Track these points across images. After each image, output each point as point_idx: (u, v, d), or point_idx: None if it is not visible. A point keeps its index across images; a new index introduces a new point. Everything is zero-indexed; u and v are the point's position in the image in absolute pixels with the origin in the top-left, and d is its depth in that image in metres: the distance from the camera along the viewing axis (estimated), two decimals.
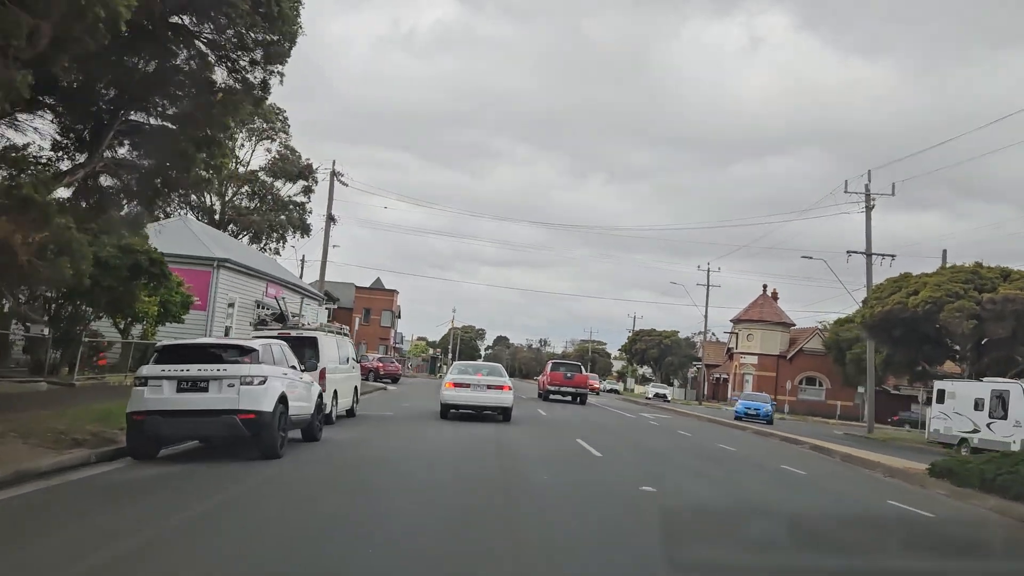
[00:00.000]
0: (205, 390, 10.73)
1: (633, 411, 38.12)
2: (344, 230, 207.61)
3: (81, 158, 14.74)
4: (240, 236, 64.98)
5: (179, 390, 10.71)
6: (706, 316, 71.20)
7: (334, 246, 65.30)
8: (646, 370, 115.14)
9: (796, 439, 26.28)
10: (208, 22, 13.63)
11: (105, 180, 15.32)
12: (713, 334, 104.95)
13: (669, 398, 65.96)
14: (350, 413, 19.78)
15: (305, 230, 70.11)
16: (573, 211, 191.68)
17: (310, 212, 69.78)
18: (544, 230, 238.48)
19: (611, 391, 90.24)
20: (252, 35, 13.78)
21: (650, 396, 65.37)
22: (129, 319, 21.68)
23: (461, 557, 6.95)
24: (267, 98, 16.06)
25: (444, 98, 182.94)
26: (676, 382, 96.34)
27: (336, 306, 74.62)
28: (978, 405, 25.86)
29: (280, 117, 67.67)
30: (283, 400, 11.44)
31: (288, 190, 69.56)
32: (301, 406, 12.64)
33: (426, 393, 35.54)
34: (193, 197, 63.53)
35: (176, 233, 26.66)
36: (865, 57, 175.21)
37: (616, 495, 11.03)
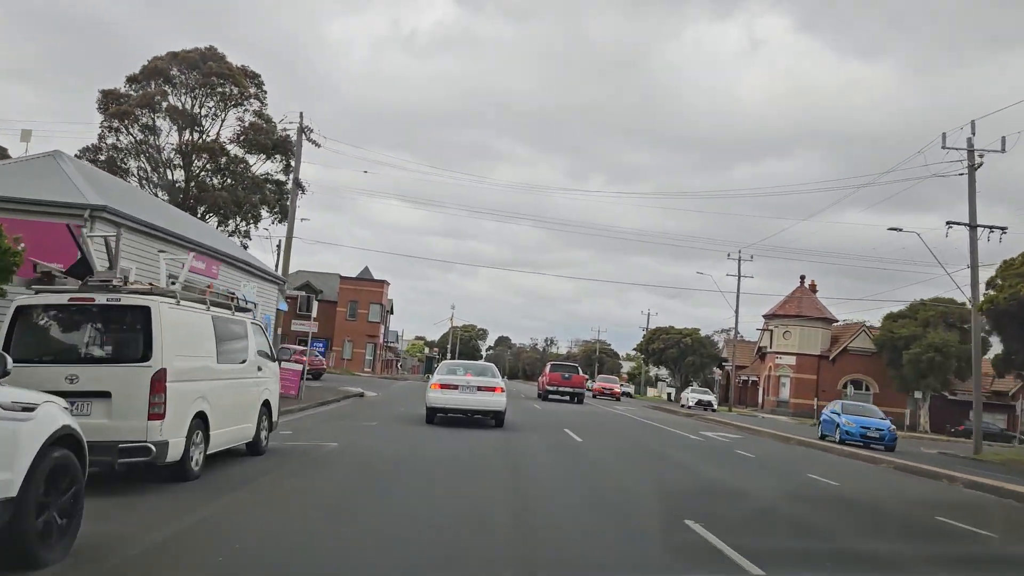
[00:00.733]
0: None
1: (687, 427, 29.64)
2: (342, 228, 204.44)
3: None
4: (207, 217, 56.66)
5: None
6: (737, 310, 62.76)
7: (303, 219, 56.48)
8: (659, 372, 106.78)
9: (976, 481, 16.98)
10: None
11: None
12: (739, 333, 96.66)
13: (715, 406, 54.32)
14: (254, 447, 11.46)
15: (284, 213, 61.82)
16: (573, 212, 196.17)
17: (287, 194, 61.74)
18: (545, 231, 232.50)
19: (624, 395, 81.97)
20: None
21: (690, 404, 52.88)
22: None
23: None
24: None
25: (444, 98, 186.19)
26: (694, 384, 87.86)
27: (317, 298, 66.23)
28: None
29: (255, 82, 59.56)
30: None
31: (264, 167, 61.36)
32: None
33: (412, 401, 27.32)
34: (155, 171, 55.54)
35: (42, 173, 18.42)
36: (864, 59, 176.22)
37: None
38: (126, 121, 53.49)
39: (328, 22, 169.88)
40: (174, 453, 8.37)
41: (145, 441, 7.95)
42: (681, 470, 14.70)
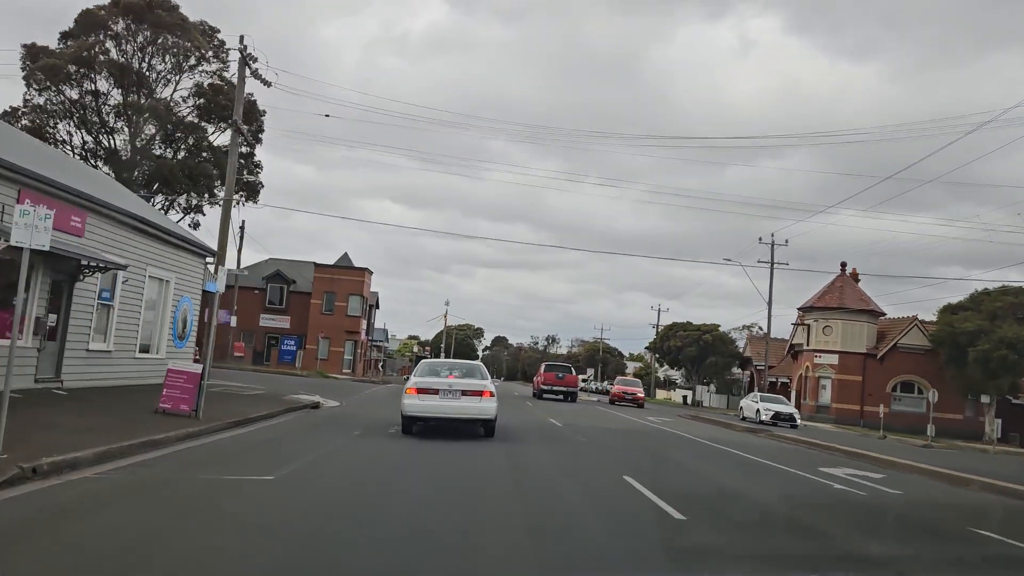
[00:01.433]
0: None
1: (786, 457, 21.34)
2: (336, 229, 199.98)
3: None
4: (156, 193, 48.44)
5: None
6: (770, 303, 54.79)
7: (255, 174, 48.48)
8: (668, 373, 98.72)
9: None
10: None
11: None
12: (759, 327, 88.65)
13: (798, 421, 40.29)
14: None
15: (252, 192, 53.59)
16: (568, 213, 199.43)
17: (258, 168, 53.55)
18: (541, 231, 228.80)
19: None
20: None
21: (762, 418, 38.85)
22: None
23: None
24: None
25: (439, 101, 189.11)
26: (713, 386, 79.85)
27: (290, 289, 57.96)
28: None
29: (214, 41, 51.31)
30: None
31: (226, 137, 53.09)
32: None
33: (382, 415, 19.43)
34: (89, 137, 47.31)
35: None
36: (854, 60, 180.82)
37: None
38: (57, 80, 45.31)
39: (322, 25, 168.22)
40: None
41: None
42: None
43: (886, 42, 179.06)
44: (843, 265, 58.01)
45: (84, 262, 16.65)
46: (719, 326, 73.64)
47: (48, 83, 44.81)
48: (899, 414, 53.38)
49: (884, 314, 57.53)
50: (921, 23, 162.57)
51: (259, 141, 51.29)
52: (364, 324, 57.34)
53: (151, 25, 47.49)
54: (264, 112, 49.88)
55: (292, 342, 54.56)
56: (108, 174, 49.68)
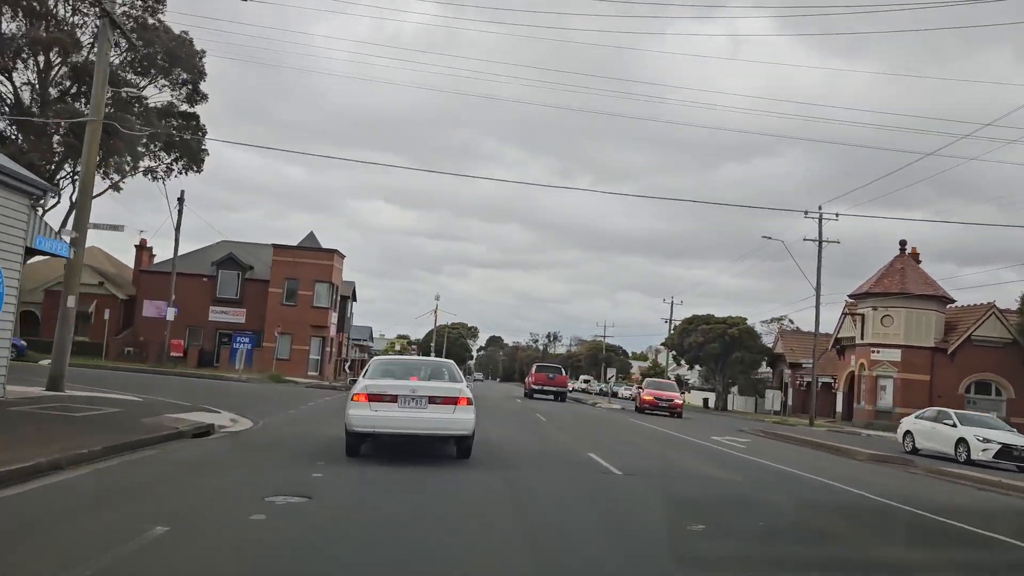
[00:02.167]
0: None
1: None
2: (333, 230, 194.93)
3: None
4: (63, 152, 39.10)
5: None
6: (818, 287, 45.72)
7: (199, 136, 38.93)
8: (682, 372, 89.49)
9: None
10: None
11: None
12: (791, 321, 79.71)
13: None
14: None
15: (191, 157, 44.17)
16: (562, 213, 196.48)
17: (201, 131, 44.12)
18: (535, 231, 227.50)
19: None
20: None
21: (978, 455, 21.65)
22: None
23: None
24: None
25: (429, 100, 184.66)
26: (736, 388, 70.70)
27: (246, 275, 48.57)
28: None
29: None
30: None
31: (163, 96, 43.69)
32: None
33: (309, 439, 10.44)
34: None
35: None
36: (845, 58, 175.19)
37: None
38: None
39: (312, 24, 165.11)
40: None
41: None
42: None
43: (876, 40, 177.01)
44: (903, 243, 49.02)
45: None
46: (745, 319, 64.59)
47: None
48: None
49: (953, 301, 48.60)
50: (911, 22, 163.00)
51: (200, 96, 41.84)
52: (334, 317, 48.04)
53: None
54: (204, 53, 40.54)
55: (246, 339, 45.21)
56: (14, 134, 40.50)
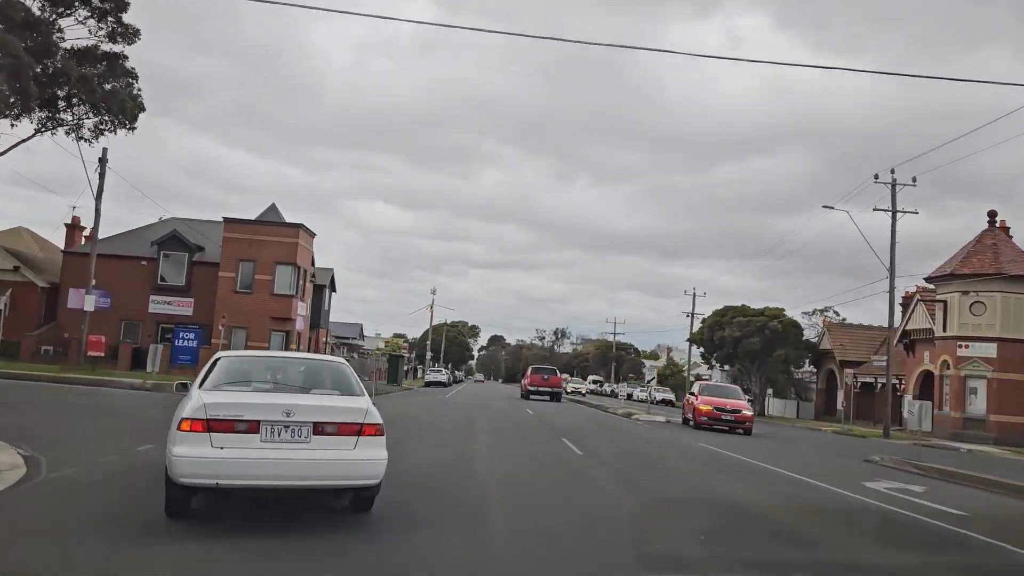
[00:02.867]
0: None
1: None
2: (333, 230, 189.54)
3: None
4: None
5: None
6: (892, 267, 37.22)
7: (128, 83, 29.25)
8: (702, 371, 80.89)
9: None
10: None
11: None
12: (836, 312, 71.00)
13: None
14: None
15: (126, 115, 35.59)
16: (561, 213, 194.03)
17: (131, 77, 35.47)
18: (535, 231, 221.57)
19: (665, 408, 57.07)
20: None
21: None
22: None
23: None
24: None
25: (427, 101, 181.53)
26: (771, 390, 62.01)
27: (194, 258, 39.95)
28: None
29: None
30: None
31: (81, 33, 35.12)
32: None
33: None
34: None
35: None
36: (843, 56, 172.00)
37: None
38: None
39: (311, 27, 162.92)
40: None
41: None
42: None
43: (873, 37, 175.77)
44: (992, 215, 40.40)
45: None
46: (784, 310, 55.89)
47: None
48: None
49: None
50: (909, 19, 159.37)
51: (125, 29, 33.21)
52: (302, 308, 39.41)
53: None
54: None
55: (192, 335, 36.75)
56: None
